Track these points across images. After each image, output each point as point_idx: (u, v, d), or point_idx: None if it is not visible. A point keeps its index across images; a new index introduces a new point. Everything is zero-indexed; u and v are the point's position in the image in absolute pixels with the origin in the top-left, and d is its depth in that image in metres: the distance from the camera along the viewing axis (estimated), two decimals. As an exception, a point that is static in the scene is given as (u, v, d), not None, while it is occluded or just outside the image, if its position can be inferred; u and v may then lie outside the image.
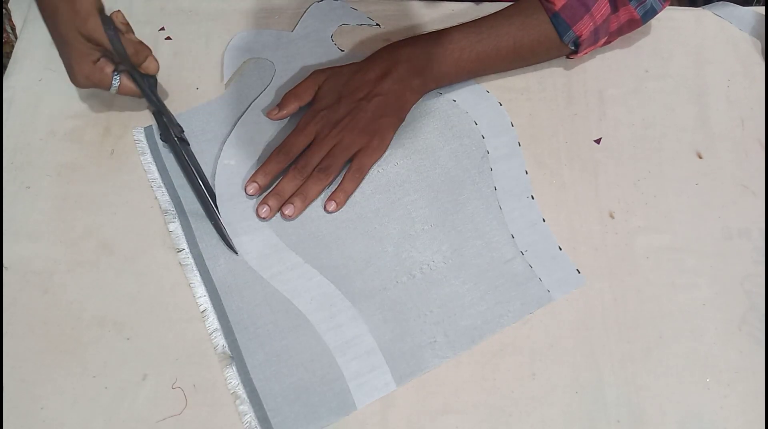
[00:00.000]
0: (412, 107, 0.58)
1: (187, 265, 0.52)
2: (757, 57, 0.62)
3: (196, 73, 0.61)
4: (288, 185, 0.54)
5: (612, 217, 0.55)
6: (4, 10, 0.66)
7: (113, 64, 0.53)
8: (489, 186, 0.56)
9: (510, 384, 0.48)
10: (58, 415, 0.47)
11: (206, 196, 0.54)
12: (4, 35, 0.71)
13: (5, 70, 0.61)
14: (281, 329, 0.50)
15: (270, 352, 0.49)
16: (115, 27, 0.51)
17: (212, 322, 0.50)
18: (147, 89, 0.55)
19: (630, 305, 0.51)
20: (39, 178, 0.56)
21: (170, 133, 0.56)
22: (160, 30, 0.63)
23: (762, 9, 0.65)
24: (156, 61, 0.54)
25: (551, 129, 0.59)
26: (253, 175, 0.55)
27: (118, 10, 0.52)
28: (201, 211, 0.54)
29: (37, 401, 0.47)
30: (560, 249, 0.53)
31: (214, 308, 0.51)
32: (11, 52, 0.63)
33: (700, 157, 0.58)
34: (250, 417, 0.47)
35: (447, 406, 0.48)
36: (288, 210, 0.53)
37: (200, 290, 0.51)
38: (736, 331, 0.50)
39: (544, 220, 0.54)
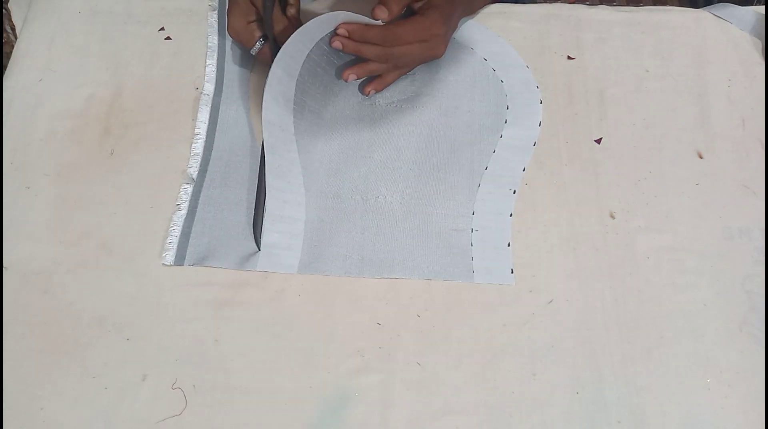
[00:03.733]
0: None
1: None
2: (757, 57, 0.62)
3: (196, 73, 0.61)
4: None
5: (612, 217, 0.55)
6: (4, 10, 0.66)
7: (262, 30, 0.57)
8: (482, 164, 0.56)
9: (510, 384, 0.48)
10: (58, 415, 0.47)
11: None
12: (4, 35, 0.71)
13: (5, 70, 0.61)
14: (245, 176, 0.55)
15: (225, 191, 0.54)
16: (274, 1, 0.55)
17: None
18: None
19: (630, 305, 0.51)
20: (39, 178, 0.56)
21: None
22: (160, 30, 0.63)
23: (762, 9, 0.65)
24: None
25: (551, 129, 0.59)
26: (345, 29, 0.54)
27: None
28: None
29: (37, 401, 0.47)
30: (509, 245, 0.53)
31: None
32: (11, 52, 0.63)
33: (701, 157, 0.57)
34: (177, 228, 0.53)
35: (447, 406, 0.47)
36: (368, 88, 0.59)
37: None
38: (736, 331, 0.50)
39: (511, 215, 0.54)
